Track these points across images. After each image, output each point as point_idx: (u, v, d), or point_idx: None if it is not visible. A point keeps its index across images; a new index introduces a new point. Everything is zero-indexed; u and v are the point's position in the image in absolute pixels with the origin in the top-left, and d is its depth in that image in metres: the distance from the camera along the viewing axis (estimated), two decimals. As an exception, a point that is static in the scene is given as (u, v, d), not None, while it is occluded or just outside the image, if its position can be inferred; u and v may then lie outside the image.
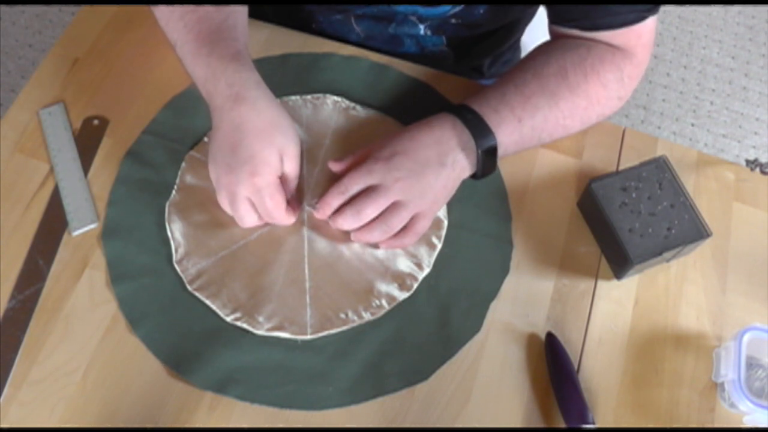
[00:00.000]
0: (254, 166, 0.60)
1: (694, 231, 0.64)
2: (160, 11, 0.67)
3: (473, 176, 0.66)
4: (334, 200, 0.63)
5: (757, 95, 1.76)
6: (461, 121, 0.64)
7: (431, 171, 0.63)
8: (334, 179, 0.69)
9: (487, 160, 0.64)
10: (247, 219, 0.63)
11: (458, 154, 0.63)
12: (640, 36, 0.67)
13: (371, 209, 0.62)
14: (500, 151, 0.64)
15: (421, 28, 0.78)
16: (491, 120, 0.64)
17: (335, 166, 0.67)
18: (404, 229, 0.64)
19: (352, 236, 0.64)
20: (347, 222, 0.63)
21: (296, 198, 0.66)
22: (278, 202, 0.62)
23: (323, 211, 0.64)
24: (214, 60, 0.62)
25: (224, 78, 0.61)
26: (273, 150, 0.61)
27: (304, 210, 0.68)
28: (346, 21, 0.80)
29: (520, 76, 0.67)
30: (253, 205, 0.62)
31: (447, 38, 0.81)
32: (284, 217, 0.63)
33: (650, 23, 0.67)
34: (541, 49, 0.70)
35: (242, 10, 0.69)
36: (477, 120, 0.63)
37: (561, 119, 0.66)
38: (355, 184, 0.63)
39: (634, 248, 0.63)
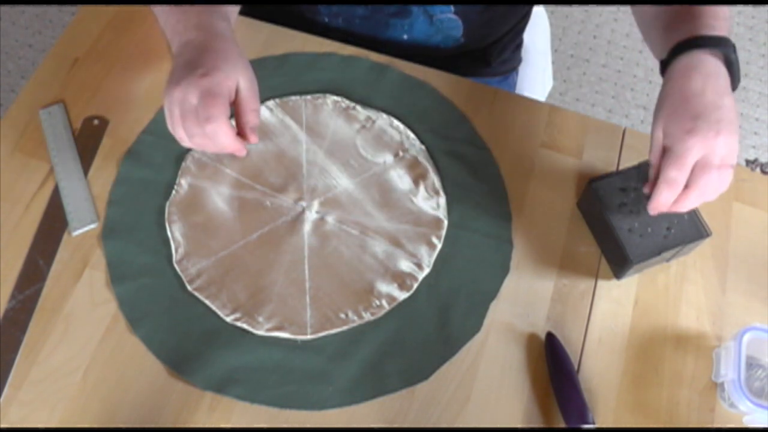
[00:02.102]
0: (207, 69, 0.58)
1: (694, 231, 0.64)
2: None
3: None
4: (668, 196, 0.58)
5: (757, 95, 1.76)
6: (719, 54, 0.60)
7: (731, 124, 0.57)
8: (335, 180, 0.69)
9: (732, 67, 0.61)
10: (197, 138, 0.59)
11: (728, 82, 0.60)
12: None
13: (710, 186, 0.57)
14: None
15: None
16: (719, 31, 0.60)
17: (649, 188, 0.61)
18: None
19: (663, 206, 0.59)
20: (693, 205, 0.59)
21: (254, 133, 0.62)
22: (222, 109, 0.58)
23: (659, 209, 0.59)
24: (190, 10, 0.62)
25: (196, 19, 0.62)
26: (229, 67, 0.59)
27: (305, 210, 0.68)
28: None
29: (675, 7, 0.65)
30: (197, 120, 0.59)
31: (455, 7, 0.80)
32: (225, 133, 0.59)
33: None
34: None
35: (234, 9, 0.70)
36: (728, 45, 0.60)
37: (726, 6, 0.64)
38: (682, 174, 0.57)
39: (633, 248, 0.63)
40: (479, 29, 0.85)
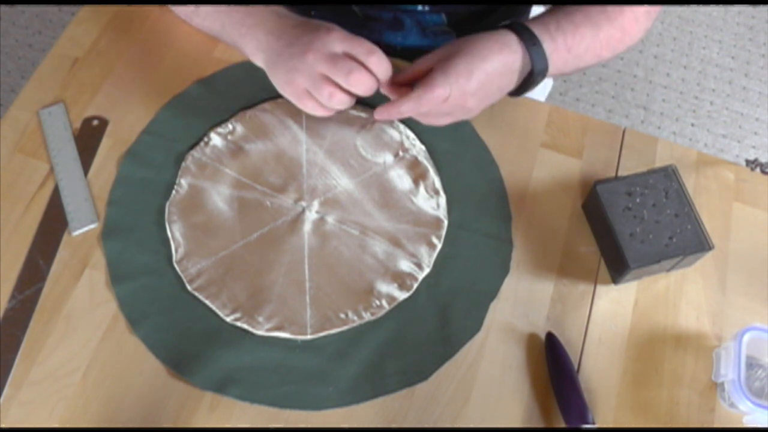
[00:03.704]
0: (327, 26, 0.62)
1: (696, 242, 0.64)
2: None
3: (509, 93, 0.67)
4: (409, 110, 0.62)
5: (757, 95, 1.76)
6: (526, 47, 0.64)
7: (493, 99, 0.65)
8: (335, 180, 0.69)
9: (531, 83, 0.66)
10: (356, 71, 0.60)
11: (514, 78, 0.64)
12: None
13: (430, 113, 0.63)
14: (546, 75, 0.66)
15: (419, 5, 0.79)
16: (548, 48, 0.64)
17: (391, 90, 0.65)
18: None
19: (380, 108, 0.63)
20: (408, 114, 0.63)
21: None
22: (363, 40, 0.61)
23: (391, 116, 0.63)
24: (251, 7, 0.66)
25: (266, 10, 0.65)
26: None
27: (305, 210, 0.68)
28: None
29: (567, 8, 0.68)
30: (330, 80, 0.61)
31: (447, 16, 0.81)
32: (385, 58, 0.62)
33: None
34: None
35: None
36: (539, 50, 0.64)
37: (598, 49, 0.68)
38: (434, 100, 0.61)
39: (632, 253, 0.63)
40: None
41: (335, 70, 0.60)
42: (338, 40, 0.61)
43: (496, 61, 0.62)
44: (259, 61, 0.66)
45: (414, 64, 0.64)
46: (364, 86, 0.61)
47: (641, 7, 0.68)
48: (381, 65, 0.61)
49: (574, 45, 0.65)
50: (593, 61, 0.68)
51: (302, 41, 0.61)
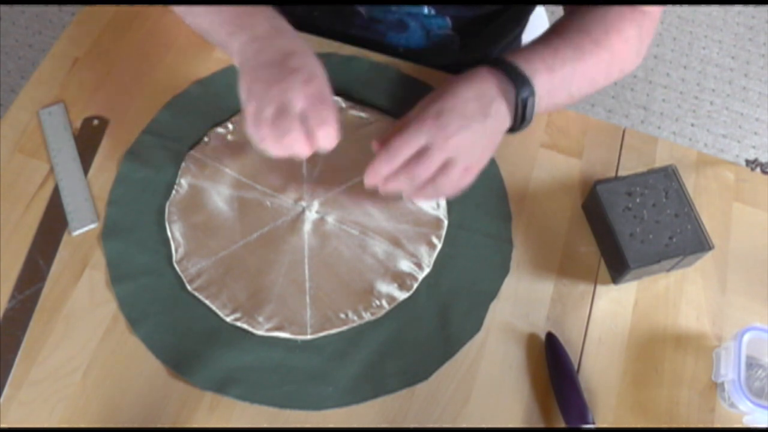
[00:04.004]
0: (309, 74, 0.58)
1: (696, 242, 0.64)
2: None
3: (510, 129, 0.66)
4: (384, 167, 0.60)
5: (757, 95, 1.76)
6: (499, 71, 0.63)
7: (478, 124, 0.61)
8: (335, 180, 0.69)
9: (525, 109, 0.64)
10: (293, 135, 0.58)
11: (500, 104, 0.63)
12: None
13: (426, 173, 0.60)
14: (536, 101, 0.64)
15: (425, 8, 0.79)
16: (526, 70, 0.63)
17: (378, 146, 0.63)
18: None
19: (387, 190, 0.62)
20: (401, 188, 0.61)
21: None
22: (335, 113, 0.59)
23: (372, 178, 0.61)
24: (249, 6, 0.63)
25: (262, 14, 0.62)
26: (320, 70, 0.60)
27: (305, 210, 0.68)
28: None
29: (545, 36, 0.67)
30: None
31: (451, 19, 0.81)
32: (336, 137, 0.59)
33: None
34: (561, 19, 0.71)
35: None
36: (514, 69, 0.63)
37: (588, 72, 0.66)
38: (405, 147, 0.60)
39: (632, 253, 0.63)
40: (477, 42, 0.85)
41: (276, 123, 0.57)
42: (304, 98, 0.57)
43: (463, 90, 0.62)
44: (235, 62, 0.63)
45: (392, 128, 0.63)
46: (294, 151, 0.58)
47: (630, 28, 0.67)
48: (326, 140, 0.58)
49: (557, 65, 0.64)
50: (587, 85, 0.67)
51: (277, 72, 0.59)
